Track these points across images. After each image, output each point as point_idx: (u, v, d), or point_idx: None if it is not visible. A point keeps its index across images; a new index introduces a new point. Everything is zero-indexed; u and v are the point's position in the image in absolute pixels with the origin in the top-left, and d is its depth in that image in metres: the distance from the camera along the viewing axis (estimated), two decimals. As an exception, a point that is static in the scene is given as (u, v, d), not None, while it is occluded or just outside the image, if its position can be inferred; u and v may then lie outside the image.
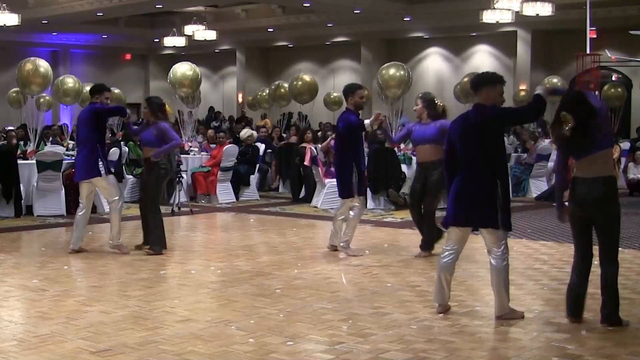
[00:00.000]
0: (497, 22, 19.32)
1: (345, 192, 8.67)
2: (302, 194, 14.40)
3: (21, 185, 12.00)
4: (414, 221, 8.97)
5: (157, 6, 23.33)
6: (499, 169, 5.99)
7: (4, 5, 18.89)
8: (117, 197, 8.85)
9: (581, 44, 15.05)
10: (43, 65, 14.36)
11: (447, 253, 6.13)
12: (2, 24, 19.06)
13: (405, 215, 12.18)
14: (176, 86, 16.07)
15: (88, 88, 19.76)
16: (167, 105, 9.25)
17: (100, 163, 8.69)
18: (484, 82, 6.09)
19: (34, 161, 12.28)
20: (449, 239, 6.17)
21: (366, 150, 13.27)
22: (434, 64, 26.69)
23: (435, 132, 8.42)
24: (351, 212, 8.80)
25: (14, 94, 19.59)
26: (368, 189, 12.49)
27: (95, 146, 8.72)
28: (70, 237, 9.01)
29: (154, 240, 8.79)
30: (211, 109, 28.71)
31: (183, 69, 16.10)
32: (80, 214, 8.92)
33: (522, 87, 23.04)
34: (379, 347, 5.28)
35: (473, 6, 19.77)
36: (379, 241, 9.75)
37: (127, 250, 8.85)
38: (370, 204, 12.80)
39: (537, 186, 15.48)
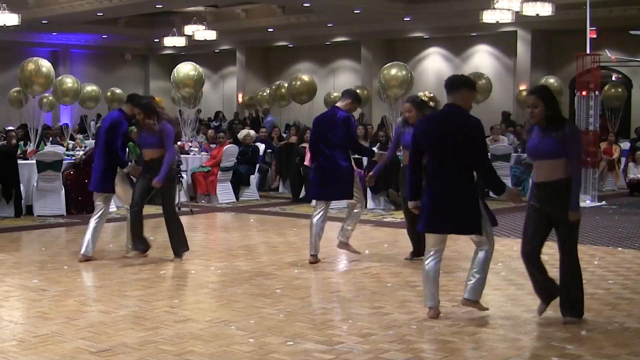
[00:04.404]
0: (497, 22, 19.33)
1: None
2: (302, 194, 14.40)
3: (21, 185, 12.00)
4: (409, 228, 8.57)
5: (157, 6, 23.33)
6: (478, 172, 6.02)
7: (4, 5, 18.91)
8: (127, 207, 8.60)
9: (581, 44, 15.05)
10: (45, 65, 14.37)
11: (430, 257, 6.07)
12: (2, 24, 19.08)
13: (405, 215, 12.19)
14: (179, 86, 16.07)
15: (88, 88, 19.94)
16: (155, 98, 8.83)
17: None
18: (465, 83, 6.07)
19: (34, 161, 12.28)
20: (429, 243, 6.12)
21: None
22: (434, 64, 26.69)
23: None
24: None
25: (15, 94, 19.61)
26: (368, 189, 12.50)
27: (112, 158, 8.43)
28: (82, 242, 8.52)
29: (179, 245, 8.50)
30: (217, 113, 28.40)
31: (186, 69, 16.10)
32: (92, 219, 8.54)
33: (522, 87, 23.03)
34: (379, 347, 5.28)
35: (473, 6, 19.77)
36: (378, 241, 9.76)
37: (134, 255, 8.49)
38: (370, 204, 12.81)
39: (537, 186, 15.44)
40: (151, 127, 8.26)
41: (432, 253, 6.07)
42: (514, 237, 9.72)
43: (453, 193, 5.91)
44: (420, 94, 8.49)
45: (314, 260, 8.38)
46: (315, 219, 8.48)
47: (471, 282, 6.08)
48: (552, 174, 5.76)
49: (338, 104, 8.55)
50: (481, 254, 6.08)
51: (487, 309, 6.14)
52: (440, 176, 5.95)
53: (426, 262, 6.08)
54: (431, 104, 8.21)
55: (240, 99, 29.76)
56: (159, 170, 8.27)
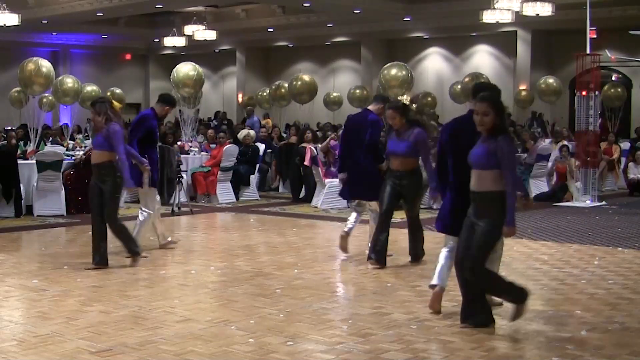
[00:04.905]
0: (497, 22, 19.34)
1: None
2: (302, 194, 14.41)
3: (21, 185, 12.00)
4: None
5: (157, 6, 23.35)
6: None
7: (4, 5, 18.91)
8: (149, 210, 8.82)
9: (581, 44, 15.06)
10: (45, 65, 14.37)
11: (447, 249, 6.19)
12: (2, 24, 19.08)
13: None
14: (179, 86, 16.07)
15: (88, 88, 19.94)
16: (114, 102, 8.37)
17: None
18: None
19: (34, 161, 12.28)
20: (446, 238, 6.25)
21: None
22: (434, 64, 26.69)
23: (407, 147, 7.95)
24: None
25: (15, 94, 19.62)
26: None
27: (142, 153, 8.64)
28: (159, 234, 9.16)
29: (128, 245, 8.13)
30: (217, 113, 28.30)
31: (186, 69, 16.09)
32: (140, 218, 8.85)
33: (522, 87, 23.06)
34: (379, 347, 5.28)
35: (473, 6, 19.79)
36: (379, 241, 9.75)
37: (144, 255, 8.58)
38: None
39: (537, 186, 15.48)
40: (99, 123, 7.98)
41: (449, 246, 6.18)
42: (513, 237, 9.70)
43: (465, 195, 5.90)
44: (400, 98, 8.49)
45: (344, 238, 8.63)
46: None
47: None
48: (479, 184, 5.58)
49: (370, 107, 8.74)
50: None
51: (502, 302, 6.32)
52: (456, 179, 6.06)
53: (443, 249, 6.23)
54: (413, 106, 8.21)
55: (240, 99, 29.76)
56: (106, 175, 7.89)
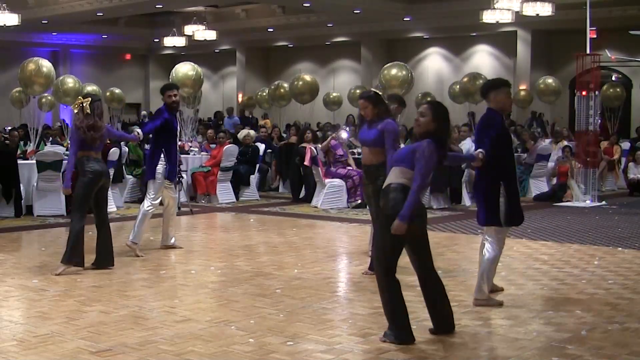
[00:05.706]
0: (497, 22, 19.34)
1: None
2: (302, 194, 14.41)
3: (21, 185, 12.00)
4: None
5: (157, 6, 23.34)
6: (503, 170, 6.30)
7: (4, 5, 18.91)
8: (155, 202, 8.88)
9: (581, 44, 15.05)
10: (46, 65, 14.37)
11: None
12: (2, 24, 19.08)
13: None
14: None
15: (89, 88, 19.97)
16: (79, 98, 8.22)
17: (158, 167, 8.83)
18: (489, 87, 6.50)
19: (34, 161, 12.28)
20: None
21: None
22: (434, 64, 26.69)
23: (376, 134, 7.52)
24: None
25: (17, 94, 19.62)
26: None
27: (155, 150, 8.89)
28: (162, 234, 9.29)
29: (67, 251, 7.72)
30: (217, 113, 28.28)
31: (185, 69, 16.08)
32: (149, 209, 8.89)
33: (522, 87, 23.05)
34: (379, 347, 5.28)
35: (473, 6, 19.79)
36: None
37: (139, 253, 8.70)
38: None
39: (537, 186, 15.48)
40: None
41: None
42: (513, 237, 9.73)
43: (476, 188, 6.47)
44: (373, 89, 8.40)
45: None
46: None
47: (477, 282, 6.59)
48: (389, 178, 5.49)
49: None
50: (485, 252, 6.52)
51: (501, 302, 6.50)
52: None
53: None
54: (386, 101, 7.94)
55: (240, 99, 29.77)
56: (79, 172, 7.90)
